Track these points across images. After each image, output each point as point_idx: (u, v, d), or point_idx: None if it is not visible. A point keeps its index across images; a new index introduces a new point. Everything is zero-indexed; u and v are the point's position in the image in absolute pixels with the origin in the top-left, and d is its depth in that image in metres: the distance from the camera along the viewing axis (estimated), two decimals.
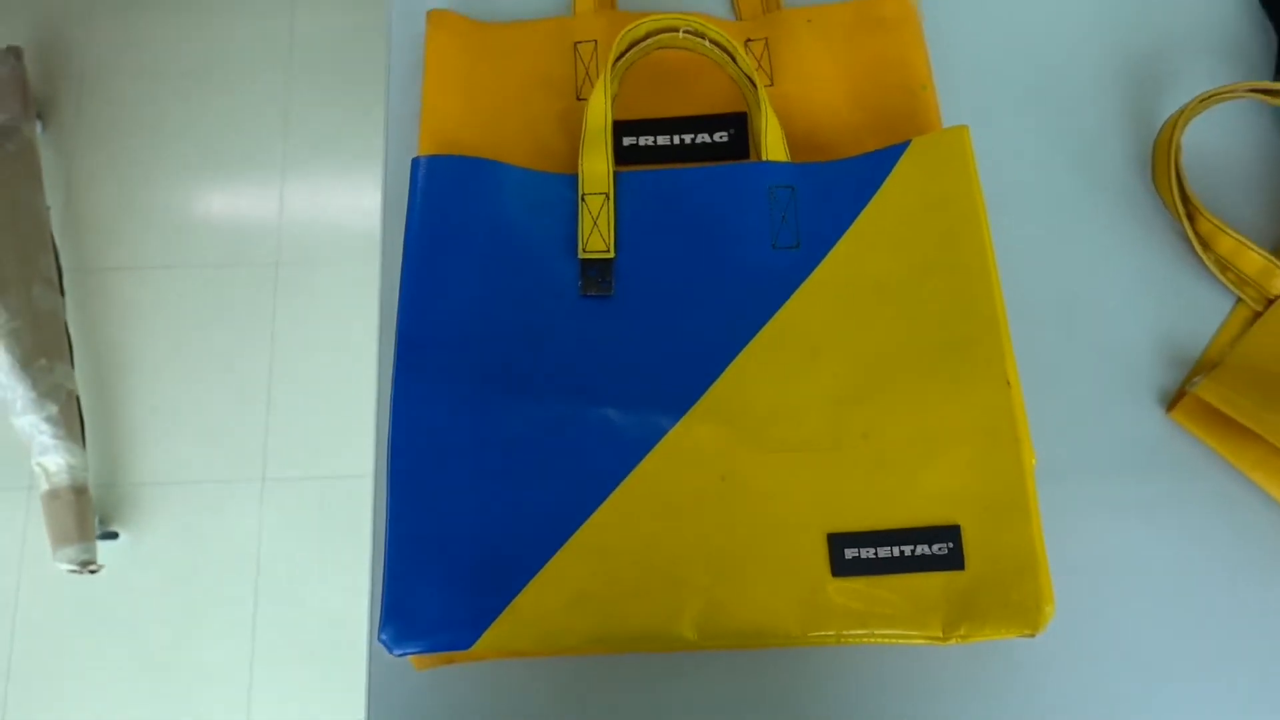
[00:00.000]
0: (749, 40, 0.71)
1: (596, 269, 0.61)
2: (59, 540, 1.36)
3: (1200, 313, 0.66)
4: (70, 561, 1.35)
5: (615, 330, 0.60)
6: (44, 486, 1.37)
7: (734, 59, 0.64)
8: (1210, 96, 0.65)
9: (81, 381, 1.52)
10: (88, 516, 1.39)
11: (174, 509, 1.50)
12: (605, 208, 0.62)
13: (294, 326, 1.56)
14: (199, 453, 1.52)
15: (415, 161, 0.63)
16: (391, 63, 0.72)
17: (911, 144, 0.62)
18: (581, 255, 0.61)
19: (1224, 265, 0.65)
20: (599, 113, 0.63)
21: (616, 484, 0.57)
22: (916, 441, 0.57)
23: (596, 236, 0.62)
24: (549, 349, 0.60)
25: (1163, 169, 0.66)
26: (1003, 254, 0.61)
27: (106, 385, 1.54)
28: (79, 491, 1.38)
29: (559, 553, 0.56)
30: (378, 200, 0.69)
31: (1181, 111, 0.65)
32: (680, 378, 0.59)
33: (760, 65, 0.70)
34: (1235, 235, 0.63)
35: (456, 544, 0.57)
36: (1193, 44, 0.72)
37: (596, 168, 0.63)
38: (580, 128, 0.64)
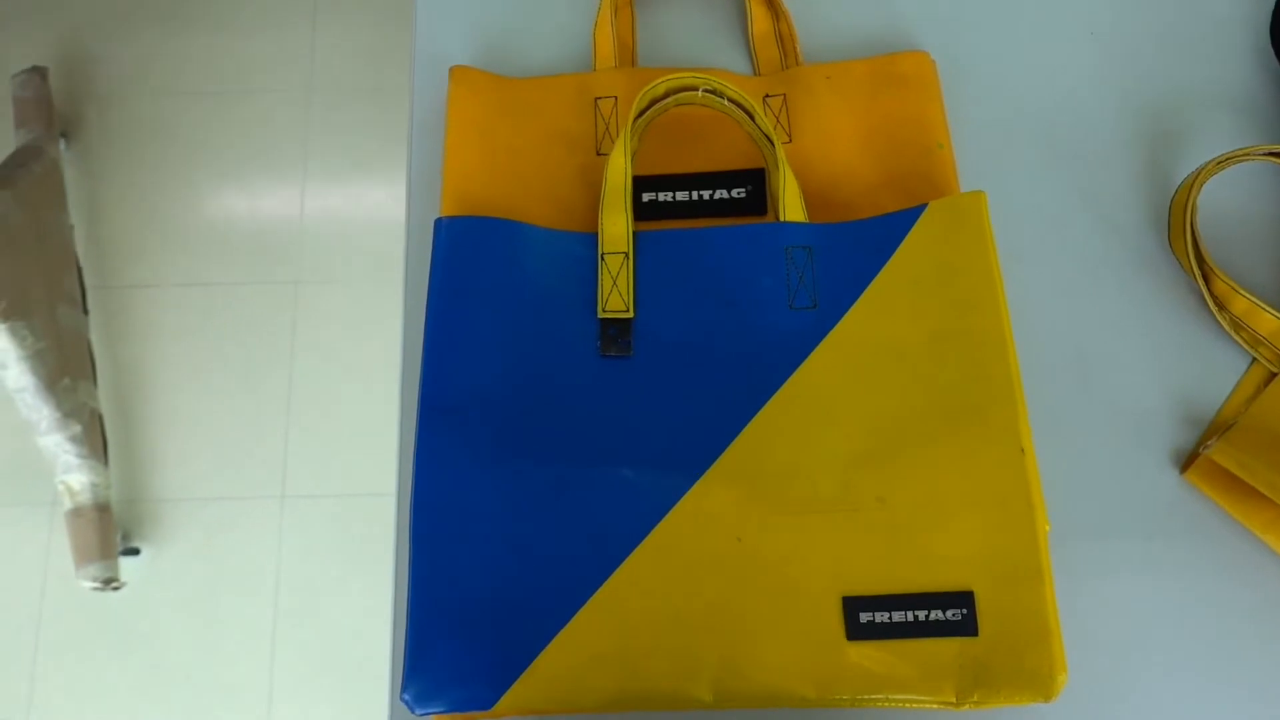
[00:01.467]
0: (768, 96, 0.71)
1: (616, 328, 0.62)
2: (82, 558, 1.38)
3: (1215, 373, 0.66)
4: (93, 579, 1.37)
5: (634, 391, 0.61)
6: (68, 505, 1.39)
7: (752, 117, 0.65)
8: (1227, 159, 0.65)
9: (104, 399, 1.53)
10: (110, 534, 1.41)
11: (194, 525, 1.52)
12: (625, 267, 0.63)
13: (314, 344, 1.57)
14: (219, 469, 1.53)
15: (437, 223, 0.64)
16: (414, 116, 0.73)
17: (928, 207, 0.62)
18: (601, 315, 0.62)
19: (1238, 325, 0.66)
20: (619, 172, 0.64)
21: (635, 545, 0.58)
22: (931, 506, 0.58)
23: (616, 296, 0.63)
24: (569, 410, 0.61)
25: (1179, 230, 0.66)
26: (1017, 311, 0.62)
27: (128, 402, 1.56)
28: (102, 509, 1.40)
29: (578, 614, 0.57)
30: (399, 218, 0.70)
31: (1198, 173, 0.65)
32: (698, 439, 0.60)
33: (779, 122, 0.71)
34: (1250, 296, 0.64)
35: (478, 605, 0.57)
36: (1209, 100, 0.72)
37: (616, 227, 0.63)
38: (600, 183, 0.64)
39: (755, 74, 0.73)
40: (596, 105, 0.71)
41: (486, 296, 0.62)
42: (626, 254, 0.63)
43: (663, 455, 0.59)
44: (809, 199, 0.66)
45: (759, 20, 0.73)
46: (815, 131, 0.70)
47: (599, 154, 0.70)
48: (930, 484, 0.58)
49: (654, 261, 0.64)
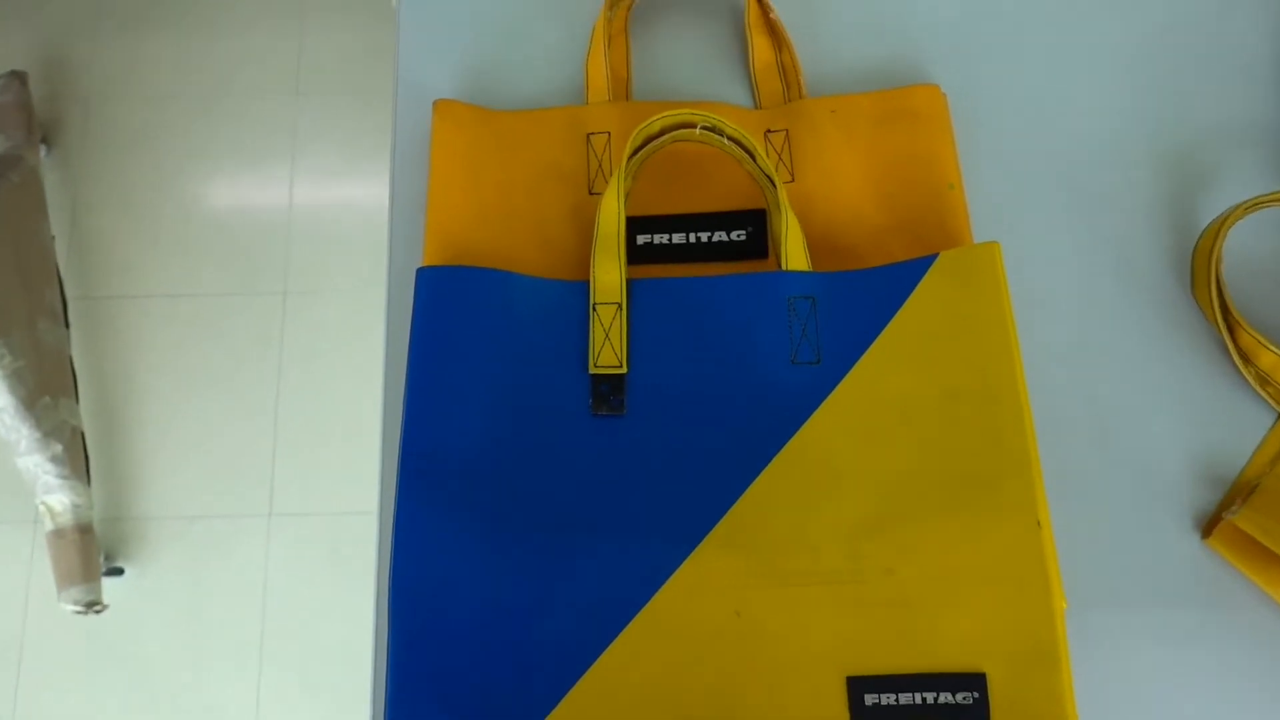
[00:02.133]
0: (769, 131, 0.68)
1: (608, 385, 0.59)
2: (64, 580, 1.35)
3: (1239, 429, 0.63)
4: (75, 602, 1.34)
5: (627, 452, 0.58)
6: (49, 526, 1.36)
7: (753, 157, 0.61)
8: (1255, 203, 0.62)
9: (86, 414, 1.50)
10: (93, 556, 1.38)
11: (179, 544, 1.48)
12: (618, 319, 0.60)
13: (302, 357, 1.53)
14: (205, 486, 1.50)
15: (419, 273, 0.60)
16: (396, 151, 0.69)
17: (939, 258, 0.59)
18: (592, 370, 0.59)
19: (1265, 380, 0.62)
20: (611, 216, 0.61)
21: (627, 620, 0.55)
22: (941, 580, 0.55)
23: (608, 350, 0.59)
24: (558, 473, 0.57)
25: (1203, 279, 0.63)
26: (1031, 361, 0.59)
27: (111, 417, 1.53)
28: (84, 530, 1.37)
29: (568, 695, 0.54)
30: (387, 225, 0.67)
31: (1224, 218, 0.62)
32: (694, 504, 0.57)
33: (780, 159, 0.67)
34: (1277, 350, 0.60)
35: (461, 683, 0.54)
36: (1236, 138, 0.68)
37: (608, 276, 0.60)
38: (592, 224, 0.61)
39: (756, 107, 0.70)
40: (589, 141, 0.68)
41: (470, 352, 0.59)
42: (620, 305, 0.60)
43: (658, 522, 0.56)
44: (812, 242, 0.63)
45: (760, 51, 0.69)
46: (819, 170, 0.66)
47: (592, 192, 0.67)
48: (941, 556, 0.55)
49: (649, 312, 0.60)
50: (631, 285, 0.60)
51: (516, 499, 0.57)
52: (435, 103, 0.67)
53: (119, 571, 1.46)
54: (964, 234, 0.64)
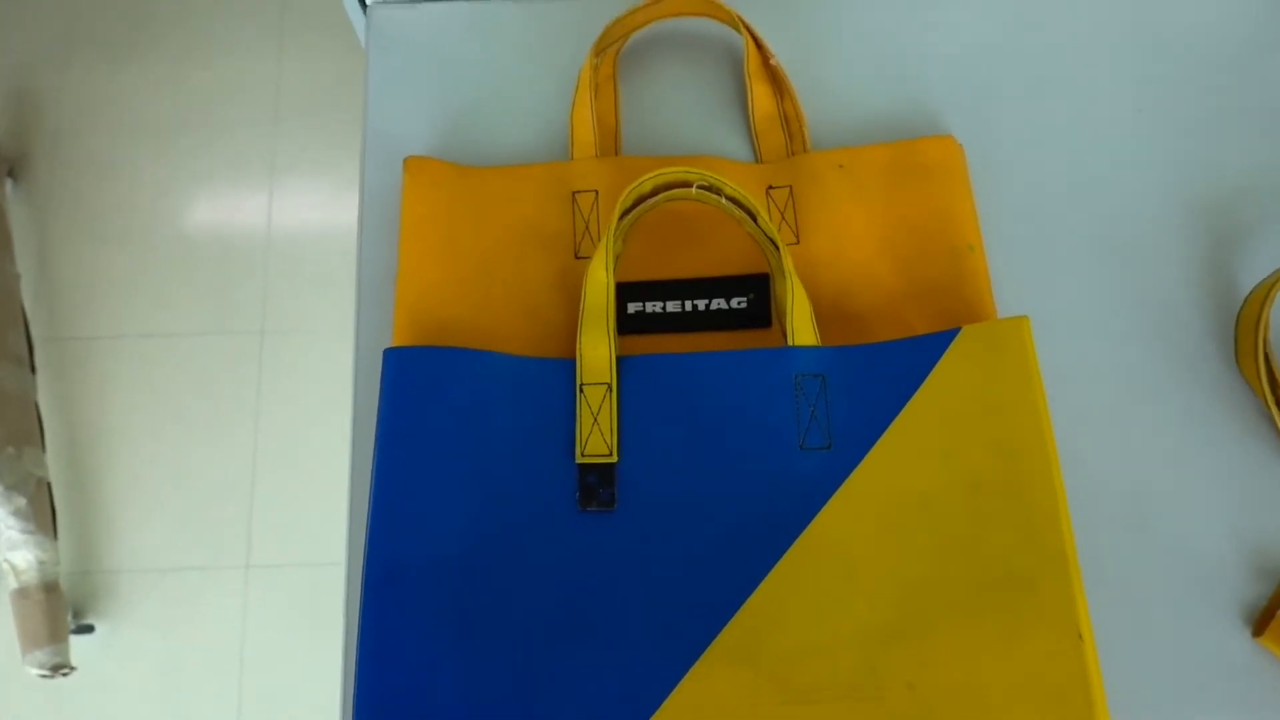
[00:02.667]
0: (771, 187, 0.62)
1: (597, 475, 0.54)
2: (29, 643, 1.28)
3: None
4: (40, 666, 1.27)
5: (618, 551, 0.53)
6: (12, 585, 1.29)
7: (754, 218, 0.56)
8: None
9: (53, 461, 1.44)
10: (59, 616, 1.31)
11: (153, 598, 1.42)
12: (607, 401, 0.55)
13: (280, 399, 1.48)
14: (179, 537, 1.44)
15: (386, 355, 0.55)
16: (364, 211, 0.64)
17: (962, 332, 0.54)
18: (579, 459, 0.54)
19: None
20: (599, 287, 0.55)
21: None
22: (969, 697, 0.50)
23: (597, 437, 0.54)
24: (541, 576, 0.52)
25: (1248, 349, 0.57)
26: (1060, 440, 0.54)
27: (80, 464, 1.47)
28: (49, 589, 1.30)
29: None
30: (355, 296, 0.62)
31: (1270, 285, 0.57)
32: (695, 610, 0.52)
33: (784, 218, 0.62)
34: None
35: None
36: (1275, 190, 0.63)
37: (597, 353, 0.55)
38: (579, 291, 0.57)
39: (757, 161, 0.65)
40: (575, 201, 0.62)
41: (444, 443, 0.54)
42: (609, 385, 0.55)
43: (653, 632, 0.51)
44: (819, 309, 0.58)
45: (761, 100, 0.64)
46: (826, 230, 0.61)
47: (578, 256, 0.62)
48: (969, 669, 0.50)
49: (642, 394, 0.55)
50: (622, 363, 0.55)
51: (495, 608, 0.52)
52: (406, 160, 0.62)
53: (89, 629, 1.39)
54: (985, 300, 0.59)
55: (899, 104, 0.66)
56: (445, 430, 0.54)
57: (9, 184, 1.54)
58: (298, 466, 1.44)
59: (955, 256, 0.60)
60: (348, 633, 0.57)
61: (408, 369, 0.55)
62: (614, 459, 0.54)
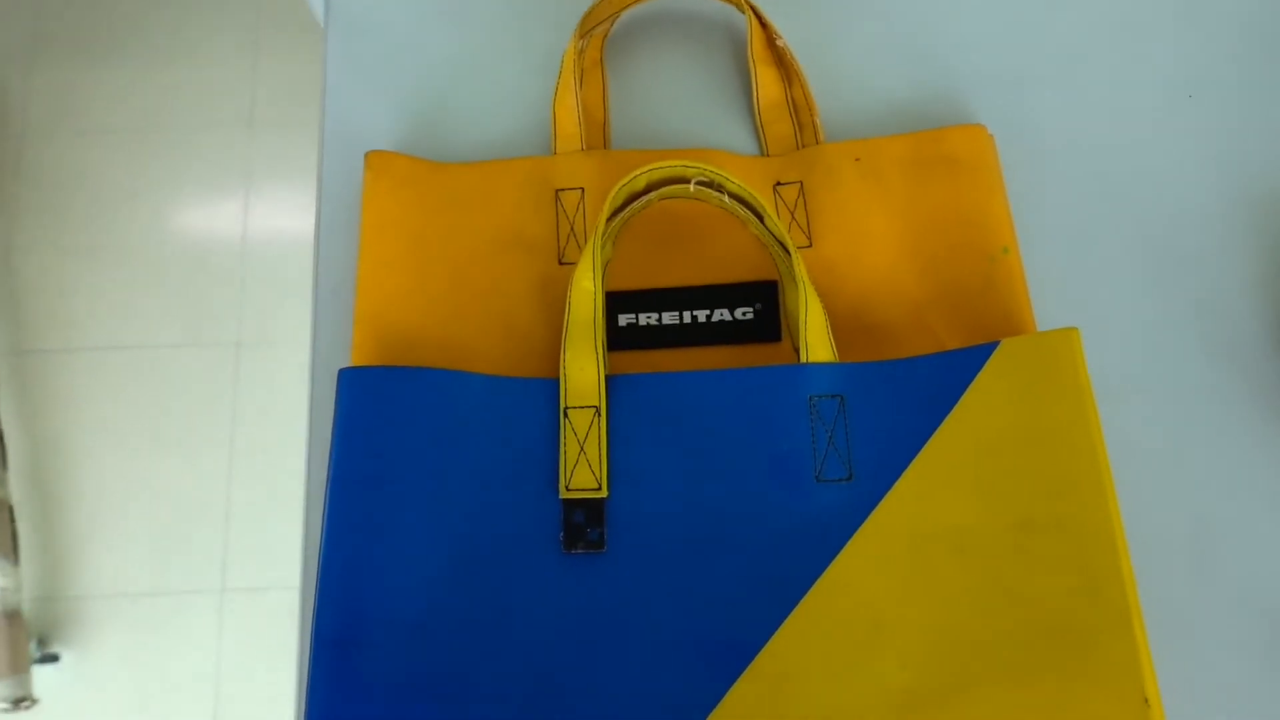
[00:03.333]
0: (779, 184, 0.56)
1: (583, 512, 0.48)
2: None
3: None
4: (1, 700, 1.21)
5: (608, 601, 0.47)
6: None
7: (762, 219, 0.50)
8: None
9: (16, 480, 1.39)
10: (21, 645, 1.26)
11: (122, 625, 1.35)
12: (595, 426, 0.49)
13: (257, 415, 1.42)
14: (150, 560, 1.37)
15: (341, 375, 0.49)
16: (321, 216, 0.57)
17: (1001, 346, 0.48)
18: (564, 495, 0.48)
19: None
20: (586, 297, 0.49)
21: None
22: None
23: (584, 468, 0.48)
24: (520, 629, 0.47)
25: None
26: (1112, 468, 0.47)
27: (46, 484, 1.41)
28: (10, 617, 1.24)
29: None
30: (310, 310, 0.55)
31: None
32: (697, 670, 0.46)
33: (794, 219, 0.55)
34: None
35: None
36: None
37: (583, 373, 0.49)
38: (563, 302, 0.52)
39: (763, 154, 0.59)
40: (558, 199, 0.56)
41: (406, 476, 0.49)
42: (597, 409, 0.49)
43: (649, 692, 0.46)
44: (835, 320, 0.52)
45: (767, 85, 0.58)
46: (841, 231, 0.55)
47: (562, 262, 0.56)
48: None
49: (635, 418, 0.50)
50: (612, 383, 0.50)
51: (465, 671, 0.46)
52: (367, 155, 0.56)
53: (54, 658, 1.33)
54: (1022, 308, 0.53)
55: (922, 89, 0.60)
56: (408, 463, 0.48)
57: None
58: (275, 486, 1.39)
59: (987, 259, 0.54)
60: (299, 681, 0.50)
61: (366, 392, 0.48)
62: (603, 493, 0.48)
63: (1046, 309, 0.54)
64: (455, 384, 0.49)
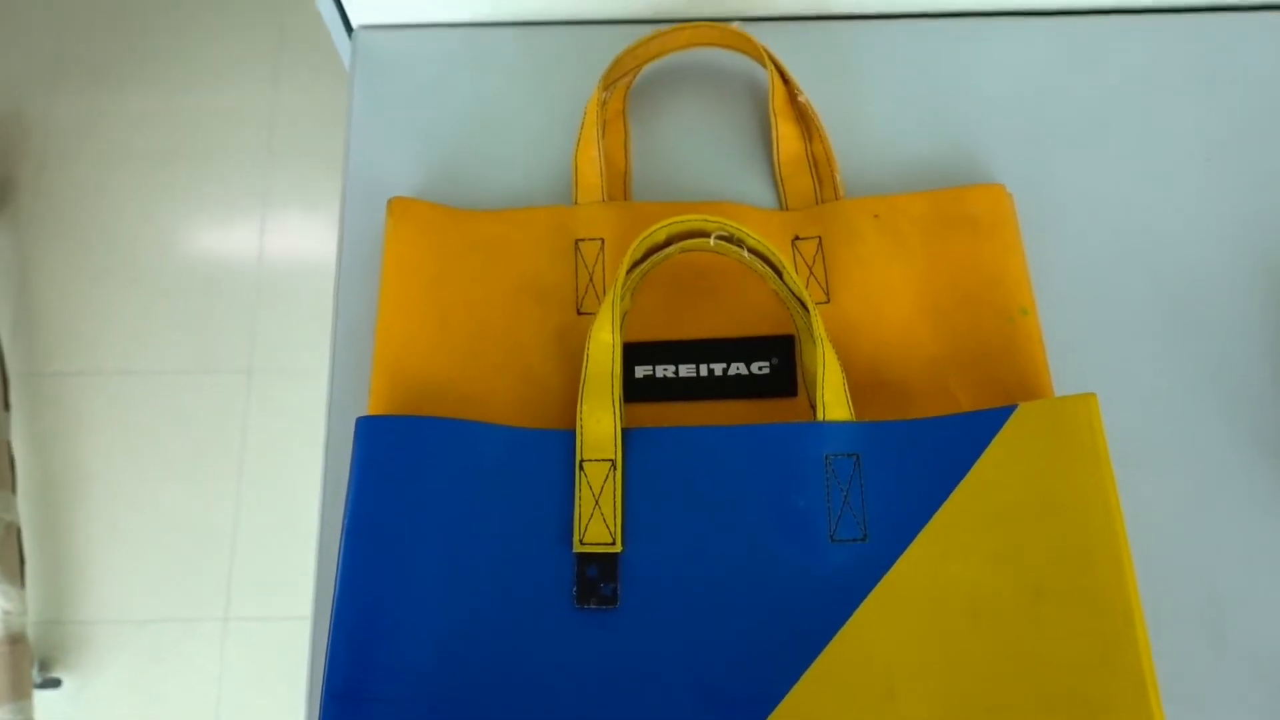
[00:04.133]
0: (798, 238, 0.56)
1: (597, 567, 0.48)
2: None
3: None
4: None
5: (620, 657, 0.46)
6: None
7: (780, 274, 0.50)
8: None
9: (26, 503, 1.38)
10: (24, 670, 1.24)
11: (125, 651, 1.34)
12: (611, 480, 0.48)
13: (267, 442, 1.41)
14: (155, 587, 1.36)
15: (359, 424, 0.48)
16: (343, 260, 0.57)
17: (1018, 410, 0.48)
18: (578, 548, 0.48)
19: None
20: (604, 350, 0.49)
21: None
22: None
23: (598, 522, 0.48)
24: (530, 687, 0.46)
25: None
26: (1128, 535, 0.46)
27: (54, 506, 1.40)
28: (14, 641, 1.23)
29: None
30: (329, 354, 0.55)
31: None
32: None
33: (812, 273, 0.55)
34: None
35: None
36: None
37: (600, 426, 0.49)
38: (581, 352, 0.51)
39: (782, 208, 0.59)
40: (578, 249, 0.56)
41: (421, 528, 0.49)
42: (613, 462, 0.49)
43: None
44: (851, 376, 0.52)
45: (787, 140, 0.58)
46: (859, 288, 0.55)
47: (581, 312, 0.55)
48: None
49: (650, 473, 0.49)
50: (629, 437, 0.49)
51: None
52: (390, 201, 0.56)
53: (56, 683, 1.32)
54: (1040, 370, 0.53)
55: (941, 148, 0.60)
56: (423, 515, 0.48)
57: None
58: (283, 514, 1.38)
59: (1005, 320, 0.54)
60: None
61: (383, 441, 0.48)
62: (617, 548, 0.48)
63: (1064, 370, 0.54)
64: (471, 434, 0.49)
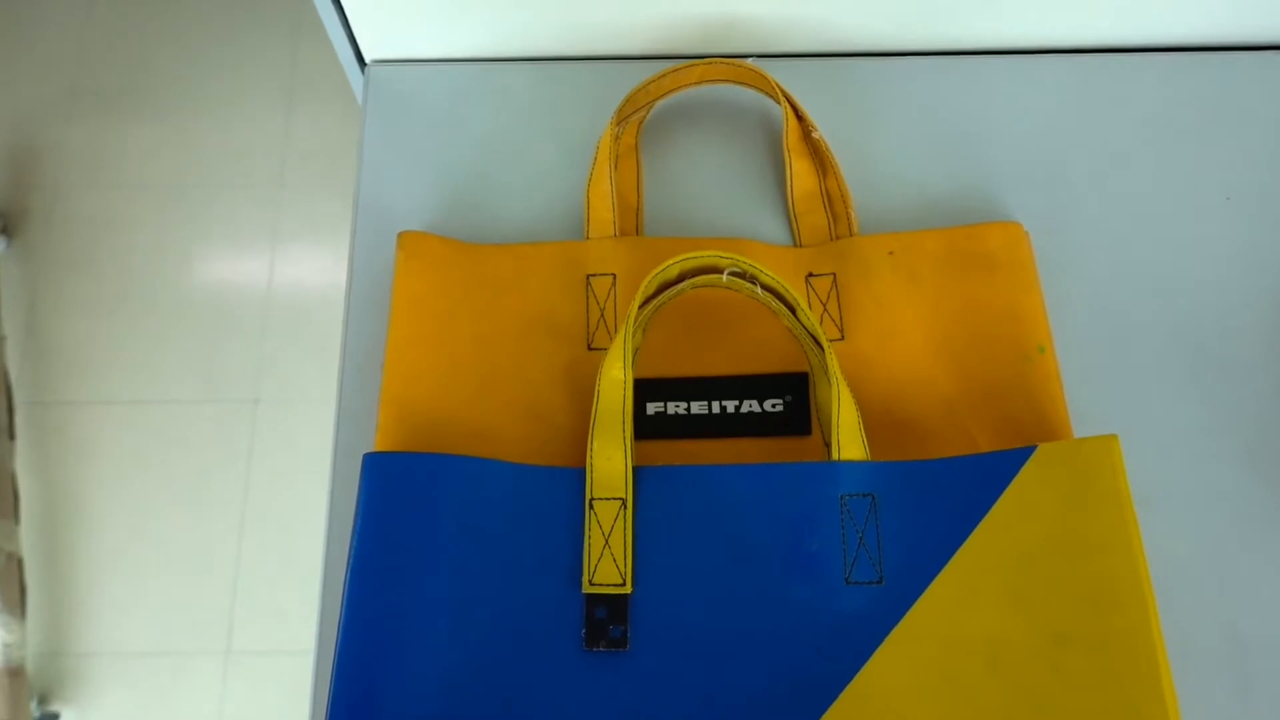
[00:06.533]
0: (812, 275, 0.56)
1: (607, 608, 0.47)
2: None
3: None
4: None
5: (630, 701, 0.45)
6: None
7: (794, 311, 0.49)
8: None
9: (28, 533, 1.37)
10: (22, 703, 1.23)
11: (124, 685, 1.32)
12: (621, 520, 0.47)
13: (272, 474, 1.40)
14: (155, 619, 1.35)
15: (366, 460, 0.48)
16: (352, 294, 0.57)
17: (1037, 452, 0.47)
18: (587, 589, 0.47)
19: None
20: (615, 388, 0.49)
21: None
22: None
23: (608, 563, 0.47)
24: None
25: None
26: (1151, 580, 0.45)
27: (56, 536, 1.39)
28: (14, 674, 1.22)
29: None
30: (336, 389, 0.54)
31: None
32: None
33: (826, 310, 0.54)
34: None
35: None
36: None
37: (610, 463, 0.48)
38: (591, 389, 0.49)
39: (796, 245, 0.58)
40: (589, 285, 0.56)
41: (427, 567, 0.48)
42: (624, 501, 0.48)
43: None
44: (866, 414, 0.51)
45: (801, 176, 0.58)
46: (874, 325, 0.54)
47: (591, 348, 0.55)
48: None
49: (662, 512, 0.48)
50: (640, 475, 0.48)
51: None
52: (400, 235, 0.55)
53: (54, 717, 1.30)
54: (1058, 410, 0.52)
55: (957, 185, 0.59)
56: (430, 553, 0.47)
57: (1, 241, 1.48)
58: (286, 547, 1.36)
59: (1022, 358, 0.53)
60: None
61: (390, 478, 0.47)
62: (627, 589, 0.47)
63: (1081, 410, 0.53)
64: (479, 471, 0.48)
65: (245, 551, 1.36)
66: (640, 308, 0.50)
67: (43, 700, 1.31)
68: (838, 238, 0.57)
